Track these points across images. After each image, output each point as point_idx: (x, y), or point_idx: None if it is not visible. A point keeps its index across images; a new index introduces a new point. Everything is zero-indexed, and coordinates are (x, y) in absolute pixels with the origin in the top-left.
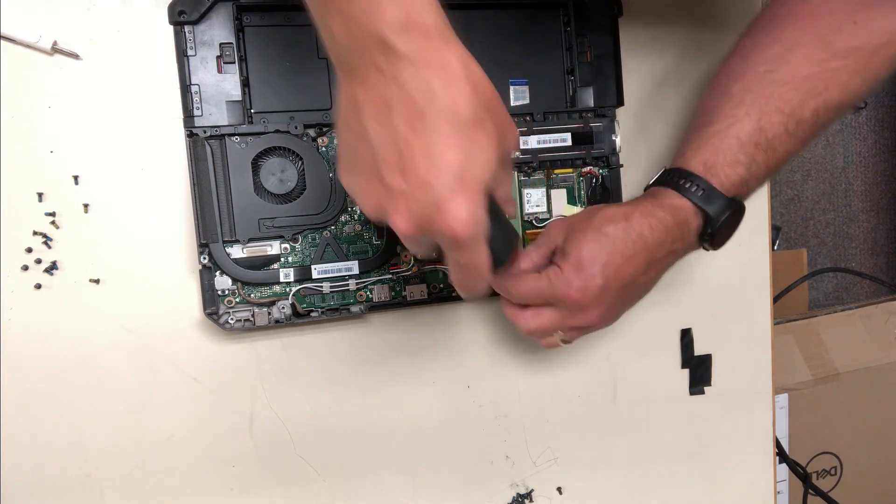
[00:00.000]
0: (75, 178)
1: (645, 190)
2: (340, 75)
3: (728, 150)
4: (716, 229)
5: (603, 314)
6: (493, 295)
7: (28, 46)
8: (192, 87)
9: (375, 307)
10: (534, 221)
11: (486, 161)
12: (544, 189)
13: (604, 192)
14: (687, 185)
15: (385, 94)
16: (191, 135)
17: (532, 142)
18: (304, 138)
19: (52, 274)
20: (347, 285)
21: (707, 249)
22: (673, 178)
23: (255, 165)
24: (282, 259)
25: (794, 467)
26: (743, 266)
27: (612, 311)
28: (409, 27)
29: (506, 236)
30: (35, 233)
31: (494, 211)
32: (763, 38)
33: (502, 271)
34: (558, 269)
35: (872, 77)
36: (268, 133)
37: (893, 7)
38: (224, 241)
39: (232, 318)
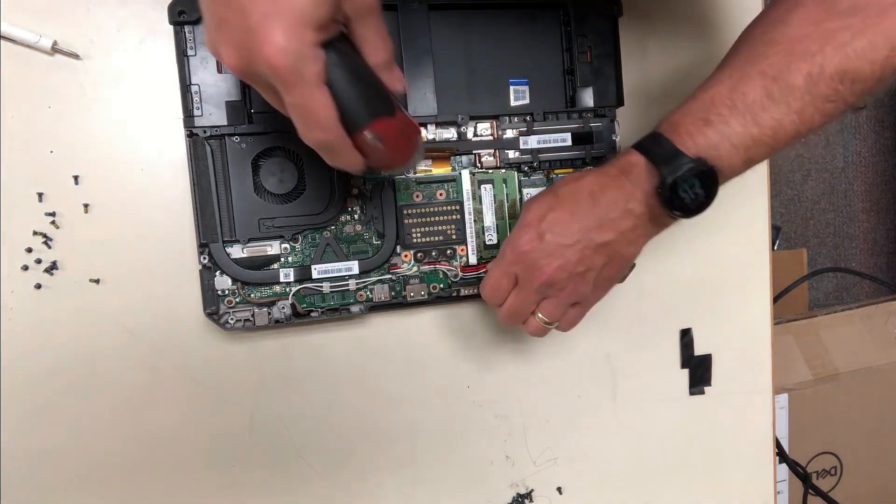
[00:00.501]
0: (75, 178)
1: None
2: None
3: (698, 109)
4: (673, 188)
5: (562, 265)
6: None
7: (28, 46)
8: (192, 87)
9: (375, 307)
10: None
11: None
12: (544, 189)
13: None
14: (646, 143)
15: None
16: (191, 135)
17: (532, 142)
18: None
19: (52, 274)
20: (347, 285)
21: (677, 217)
22: (640, 139)
23: (255, 165)
24: (282, 259)
25: (794, 467)
26: (743, 266)
27: (571, 266)
28: None
29: (363, 92)
30: (35, 233)
31: (348, 59)
32: (769, 8)
33: (367, 136)
34: (511, 232)
35: (884, 41)
36: (268, 133)
37: None
38: (224, 241)
39: (232, 318)
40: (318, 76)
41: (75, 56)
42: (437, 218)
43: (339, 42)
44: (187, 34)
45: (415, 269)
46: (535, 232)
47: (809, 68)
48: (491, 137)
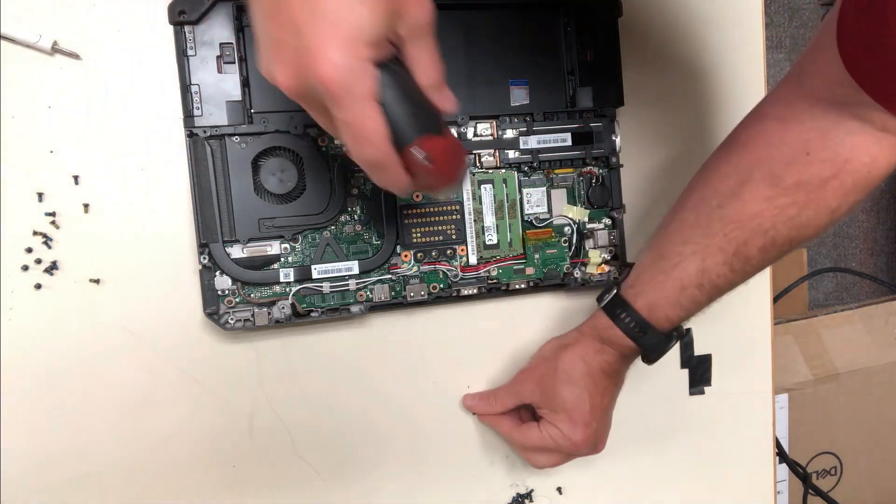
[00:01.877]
0: (75, 178)
1: (598, 301)
2: None
3: (671, 294)
4: (650, 357)
5: (596, 445)
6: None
7: (28, 46)
8: (192, 87)
9: (375, 307)
10: (534, 221)
11: (364, 12)
12: (545, 189)
13: (603, 192)
14: (628, 322)
15: None
16: (191, 135)
17: (532, 142)
18: (304, 138)
19: (52, 274)
20: (347, 285)
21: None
22: (618, 311)
23: (255, 165)
24: (282, 259)
25: (794, 467)
26: None
27: (601, 440)
28: None
29: (413, 111)
30: (35, 233)
31: (399, 79)
32: (723, 166)
33: (435, 174)
34: (556, 428)
35: (825, 210)
36: (268, 133)
37: (848, 131)
38: (224, 241)
39: (232, 318)
40: (371, 93)
41: (75, 56)
42: (437, 218)
43: (391, 62)
44: (187, 34)
45: (415, 269)
46: (583, 426)
47: (763, 242)
48: (491, 137)
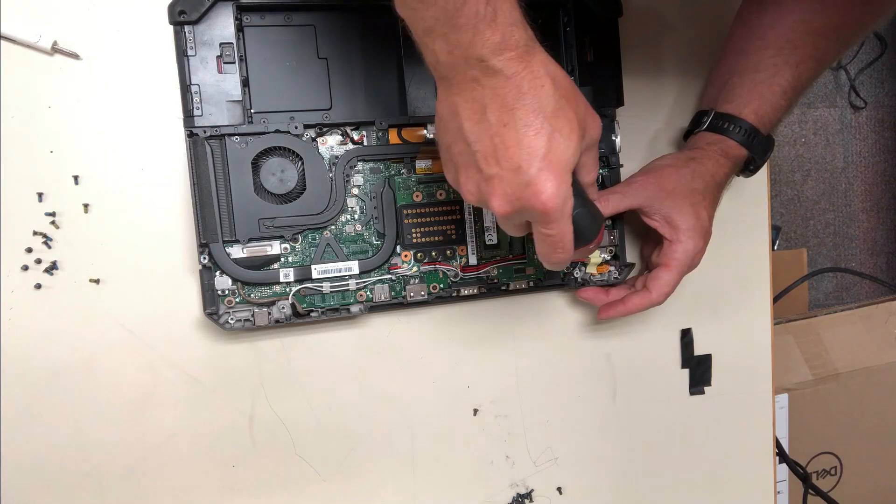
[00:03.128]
0: (75, 178)
1: (696, 128)
2: (440, 86)
3: (774, 100)
4: (758, 164)
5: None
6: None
7: (28, 46)
8: (192, 87)
9: (375, 307)
10: None
11: (569, 145)
12: None
13: None
14: (739, 132)
15: (480, 98)
16: (191, 135)
17: None
18: (304, 138)
19: (52, 274)
20: (347, 285)
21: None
22: (725, 125)
23: (255, 165)
24: (282, 259)
25: (794, 467)
26: (743, 266)
27: None
28: (503, 48)
29: (591, 217)
30: (35, 233)
31: (579, 193)
32: None
33: (584, 248)
34: (682, 245)
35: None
36: (268, 133)
37: None
38: (224, 241)
39: (232, 318)
40: (571, 210)
41: (75, 56)
42: (437, 218)
43: None
44: (187, 34)
45: (415, 269)
46: (705, 232)
47: (840, 49)
48: None
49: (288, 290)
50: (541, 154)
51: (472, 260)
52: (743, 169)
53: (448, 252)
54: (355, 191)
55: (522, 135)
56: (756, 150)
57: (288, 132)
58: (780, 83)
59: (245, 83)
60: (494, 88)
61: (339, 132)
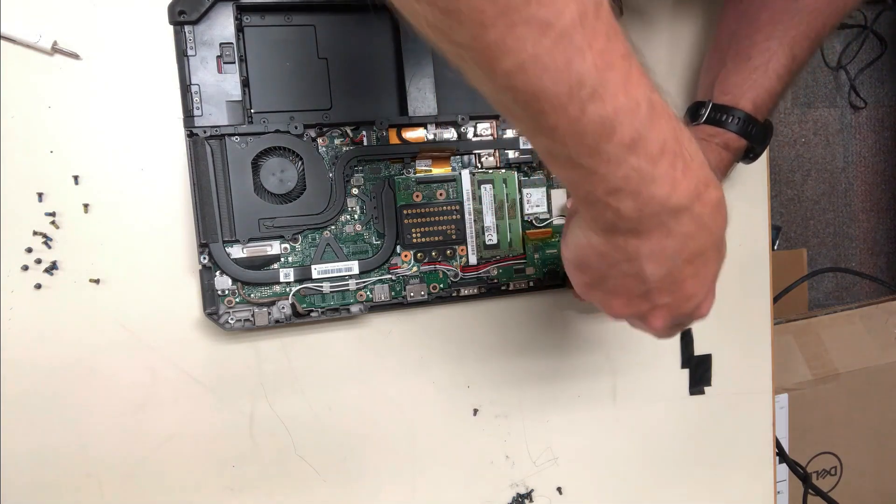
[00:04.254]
0: (75, 178)
1: (694, 120)
2: (607, 232)
3: (770, 86)
4: (757, 152)
5: None
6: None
7: (28, 46)
8: (192, 87)
9: (375, 307)
10: (534, 221)
11: (724, 255)
12: (544, 189)
13: None
14: (737, 122)
15: (671, 246)
16: (191, 135)
17: None
18: (304, 138)
19: (52, 274)
20: (347, 285)
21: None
22: (722, 117)
23: (255, 165)
24: (282, 259)
25: (794, 467)
26: (743, 266)
27: None
28: (698, 192)
29: None
30: (35, 233)
31: None
32: None
33: None
34: None
35: None
36: (268, 133)
37: None
38: (224, 241)
39: (232, 318)
40: None
41: (75, 56)
42: (437, 218)
43: None
44: (187, 34)
45: (415, 269)
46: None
47: (835, 22)
48: (491, 137)
49: (288, 290)
50: (711, 280)
51: (472, 260)
52: (743, 157)
53: (448, 252)
54: (355, 191)
55: (701, 267)
56: (756, 139)
57: (288, 132)
58: (776, 68)
59: (245, 83)
60: (687, 235)
61: (339, 132)
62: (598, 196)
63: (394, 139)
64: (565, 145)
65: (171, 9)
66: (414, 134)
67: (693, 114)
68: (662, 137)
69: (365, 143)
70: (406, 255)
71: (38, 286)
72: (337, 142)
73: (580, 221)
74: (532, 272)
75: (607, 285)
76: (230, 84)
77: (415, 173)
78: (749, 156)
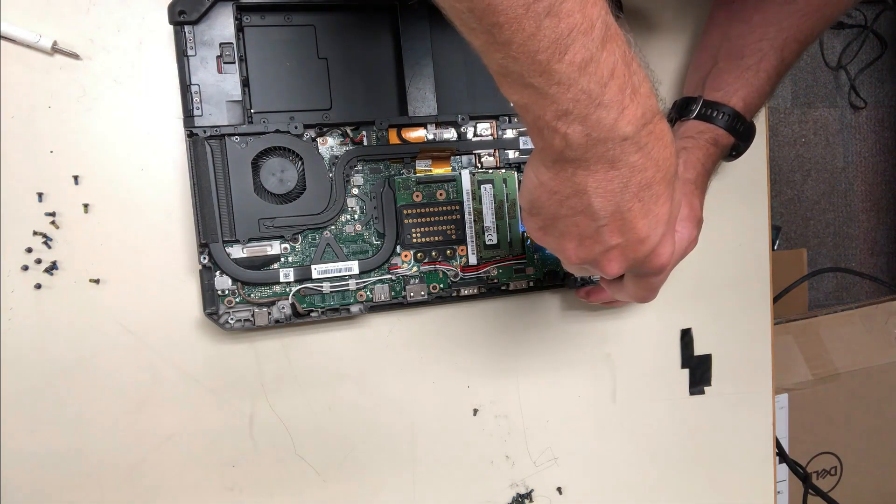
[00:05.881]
0: (75, 178)
1: (683, 115)
2: (556, 166)
3: (760, 85)
4: (742, 149)
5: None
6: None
7: (28, 46)
8: (192, 87)
9: (375, 307)
10: None
11: (679, 200)
12: None
13: None
14: (727, 119)
15: (618, 178)
16: (191, 135)
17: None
18: (304, 138)
19: (52, 274)
20: (347, 285)
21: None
22: (712, 113)
23: (255, 165)
24: (282, 259)
25: (794, 467)
26: (743, 266)
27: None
28: (644, 121)
29: None
30: (35, 233)
31: None
32: None
33: None
34: (679, 234)
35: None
36: (268, 133)
37: None
38: (224, 241)
39: (232, 318)
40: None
41: (75, 56)
42: (437, 218)
43: None
44: (187, 34)
45: (415, 269)
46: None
47: (823, 27)
48: (491, 137)
49: (288, 290)
50: (665, 220)
51: (472, 260)
52: (727, 155)
53: (448, 252)
54: (355, 191)
55: (651, 206)
56: (742, 136)
57: (288, 132)
58: (766, 68)
59: (245, 83)
60: (633, 167)
61: (339, 132)
62: (547, 120)
63: (394, 139)
64: (518, 61)
65: (171, 9)
66: (414, 134)
67: (682, 109)
68: (613, 61)
69: (365, 143)
70: (406, 255)
71: (38, 286)
72: (337, 142)
73: (532, 161)
74: (532, 272)
75: (559, 227)
76: (230, 84)
77: (415, 173)
78: (732, 153)
